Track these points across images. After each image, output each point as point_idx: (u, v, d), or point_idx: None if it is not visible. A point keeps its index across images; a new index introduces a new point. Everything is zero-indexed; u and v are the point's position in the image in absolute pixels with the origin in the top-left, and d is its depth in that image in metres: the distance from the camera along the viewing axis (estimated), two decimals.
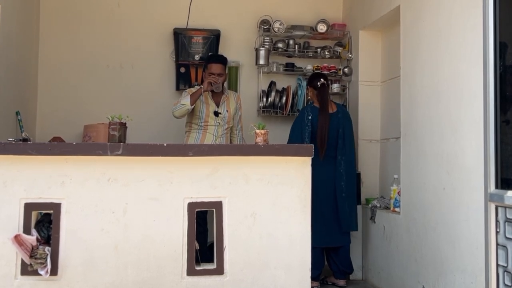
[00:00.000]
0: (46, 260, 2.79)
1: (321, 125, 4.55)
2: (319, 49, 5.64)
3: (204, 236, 4.10)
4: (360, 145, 5.21)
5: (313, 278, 4.41)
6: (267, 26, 5.51)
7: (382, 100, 5.22)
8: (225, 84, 4.83)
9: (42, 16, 5.30)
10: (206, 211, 3.36)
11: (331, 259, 4.68)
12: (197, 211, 3.01)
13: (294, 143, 4.42)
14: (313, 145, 3.14)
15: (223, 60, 4.71)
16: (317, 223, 4.22)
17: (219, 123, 4.69)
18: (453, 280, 3.44)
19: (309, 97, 5.00)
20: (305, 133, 4.56)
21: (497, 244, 2.89)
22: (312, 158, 3.14)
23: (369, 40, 5.29)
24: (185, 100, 4.49)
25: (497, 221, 2.89)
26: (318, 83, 4.67)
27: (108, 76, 5.40)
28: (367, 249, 4.87)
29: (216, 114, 4.66)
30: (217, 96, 4.72)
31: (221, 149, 3.13)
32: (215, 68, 4.61)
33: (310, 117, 4.59)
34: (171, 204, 2.97)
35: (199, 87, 4.62)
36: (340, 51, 5.60)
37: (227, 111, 4.73)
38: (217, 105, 4.70)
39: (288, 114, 5.49)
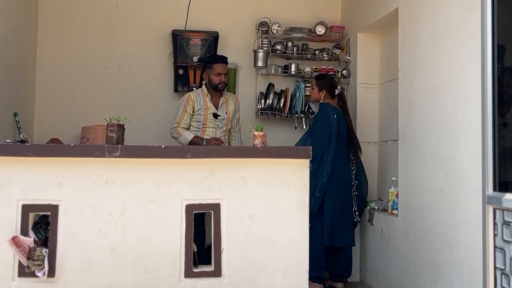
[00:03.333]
0: (44, 262, 2.79)
1: (351, 133, 4.73)
2: (317, 51, 5.64)
3: (202, 238, 4.09)
4: None
5: (319, 280, 4.43)
6: (265, 28, 5.51)
7: (380, 102, 5.23)
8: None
9: (40, 17, 5.30)
10: (204, 213, 3.36)
11: (331, 261, 4.66)
12: (194, 213, 3.01)
13: (322, 142, 4.49)
14: (311, 147, 3.14)
15: (226, 60, 4.81)
16: (334, 221, 4.31)
17: (218, 125, 4.71)
18: (451, 283, 3.44)
19: (316, 97, 4.86)
20: (332, 132, 4.57)
21: (495, 247, 2.88)
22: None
23: (368, 42, 5.29)
24: (185, 138, 4.60)
25: (495, 223, 2.88)
26: (336, 91, 4.80)
27: (106, 77, 5.40)
28: (365, 251, 4.87)
29: (215, 116, 4.68)
30: (215, 98, 4.74)
31: (219, 151, 3.13)
32: (222, 68, 4.70)
33: (335, 116, 4.63)
34: (169, 206, 2.96)
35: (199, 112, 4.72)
36: (338, 53, 5.60)
37: (226, 113, 4.75)
38: (216, 107, 4.71)
39: (286, 116, 5.49)
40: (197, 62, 5.36)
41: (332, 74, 5.52)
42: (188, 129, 4.68)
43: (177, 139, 4.64)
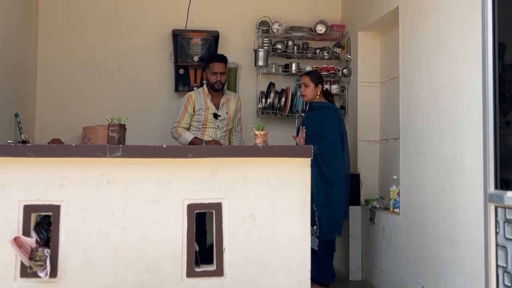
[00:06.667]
0: (46, 262, 2.79)
1: None
2: (318, 50, 5.65)
3: (203, 237, 4.09)
4: (359, 146, 5.21)
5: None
6: (266, 27, 5.51)
7: (381, 101, 5.23)
8: (225, 86, 4.81)
9: (40, 18, 5.31)
10: (205, 212, 3.36)
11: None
12: (196, 213, 3.01)
13: (335, 142, 4.33)
14: (312, 146, 3.15)
15: (224, 59, 4.71)
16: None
17: (218, 126, 4.67)
18: (453, 281, 3.44)
19: (313, 94, 4.50)
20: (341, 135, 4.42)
21: (497, 245, 2.88)
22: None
23: (368, 41, 5.29)
24: (185, 139, 4.56)
25: (496, 221, 2.88)
26: (324, 88, 4.62)
27: (107, 77, 5.40)
28: (367, 250, 4.87)
29: (216, 116, 4.65)
30: (216, 98, 4.70)
31: (220, 150, 3.12)
32: (218, 67, 4.60)
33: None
34: (170, 206, 2.96)
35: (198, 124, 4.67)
36: (339, 52, 5.60)
37: (226, 113, 4.71)
38: (217, 107, 4.68)
39: (287, 115, 5.49)
40: (197, 61, 5.37)
41: (333, 72, 5.53)
42: (188, 129, 4.66)
43: (177, 139, 4.62)
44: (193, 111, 4.64)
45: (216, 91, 4.65)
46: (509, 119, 2.85)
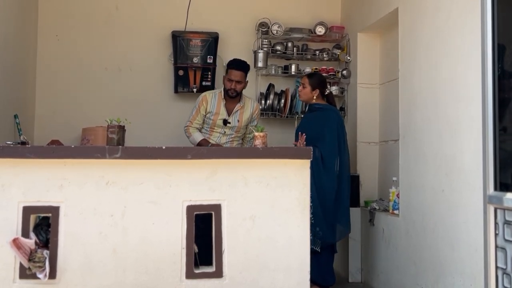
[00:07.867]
0: (45, 264, 2.78)
1: None
2: (317, 52, 5.65)
3: (210, 240, 4.04)
4: (358, 147, 5.21)
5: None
6: (265, 29, 5.51)
7: (380, 102, 5.23)
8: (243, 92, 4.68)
9: (40, 19, 5.31)
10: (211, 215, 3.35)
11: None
12: (202, 215, 3.00)
13: (334, 143, 4.31)
14: (311, 147, 3.15)
15: (244, 68, 4.56)
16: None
17: (225, 132, 4.60)
18: (452, 282, 3.44)
19: (308, 97, 4.50)
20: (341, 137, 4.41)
21: (496, 246, 2.88)
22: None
23: (368, 42, 5.30)
24: (194, 139, 4.54)
25: (496, 223, 2.88)
26: (326, 92, 4.60)
27: (107, 79, 5.40)
28: (366, 251, 4.86)
29: (225, 123, 4.56)
30: (231, 104, 4.60)
31: (219, 152, 3.12)
32: (235, 75, 4.49)
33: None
34: (169, 207, 2.96)
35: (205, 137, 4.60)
36: (338, 53, 5.60)
37: (238, 121, 4.61)
38: (229, 113, 4.59)
39: (287, 117, 5.49)
40: (197, 62, 5.37)
41: (332, 74, 5.53)
42: (201, 129, 4.62)
43: (188, 138, 4.61)
44: (205, 112, 4.58)
45: (230, 97, 4.56)
46: (508, 120, 2.85)
